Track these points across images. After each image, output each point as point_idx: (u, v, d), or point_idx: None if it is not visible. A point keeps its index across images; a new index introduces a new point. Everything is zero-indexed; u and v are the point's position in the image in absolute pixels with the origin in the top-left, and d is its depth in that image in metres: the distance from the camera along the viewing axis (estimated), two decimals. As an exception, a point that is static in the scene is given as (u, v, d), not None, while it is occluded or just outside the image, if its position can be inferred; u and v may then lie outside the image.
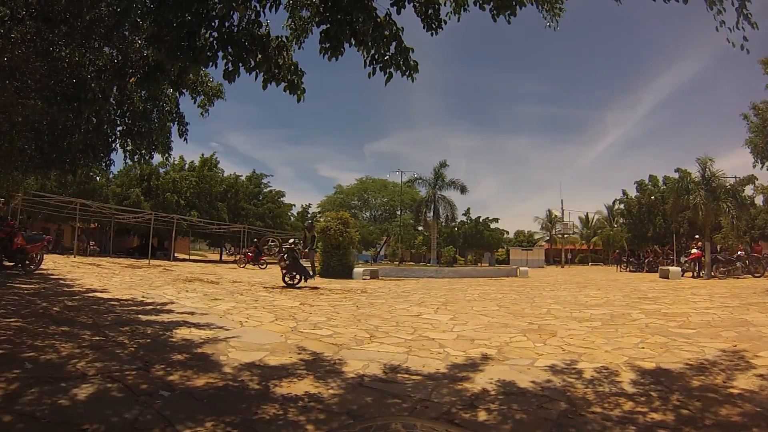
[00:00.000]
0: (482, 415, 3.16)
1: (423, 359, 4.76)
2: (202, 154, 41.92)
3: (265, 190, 47.30)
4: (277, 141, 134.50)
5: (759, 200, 28.50)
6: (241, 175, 46.05)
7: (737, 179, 26.12)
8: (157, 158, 9.79)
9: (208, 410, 3.04)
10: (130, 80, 6.26)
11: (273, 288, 12.75)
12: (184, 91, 7.85)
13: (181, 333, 5.55)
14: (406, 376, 4.14)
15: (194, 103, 8.67)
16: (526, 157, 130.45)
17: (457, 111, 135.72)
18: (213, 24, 4.10)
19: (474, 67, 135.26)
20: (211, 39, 4.12)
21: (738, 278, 20.20)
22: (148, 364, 4.04)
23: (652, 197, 40.24)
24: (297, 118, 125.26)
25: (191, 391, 3.41)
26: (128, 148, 8.97)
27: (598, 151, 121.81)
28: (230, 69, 4.20)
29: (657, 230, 39.39)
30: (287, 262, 13.08)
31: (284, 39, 4.71)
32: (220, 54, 4.15)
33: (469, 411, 3.23)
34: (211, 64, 4.19)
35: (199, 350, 4.72)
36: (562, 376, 4.14)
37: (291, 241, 13.55)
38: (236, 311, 7.65)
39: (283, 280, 13.19)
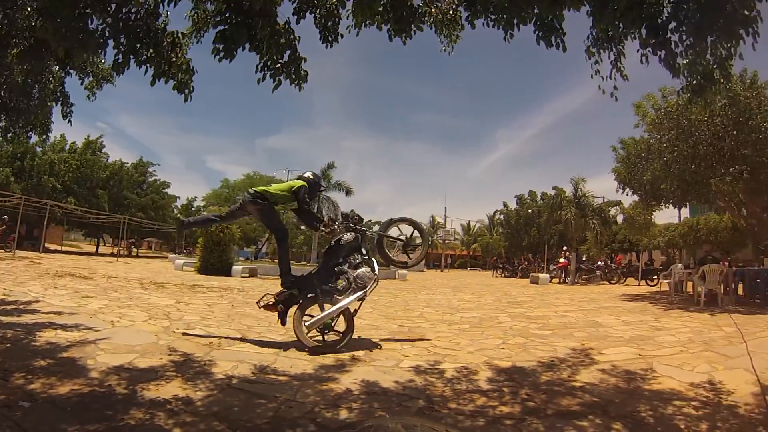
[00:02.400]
0: (344, 413, 3.37)
1: (291, 360, 4.89)
2: (88, 136, 39.12)
3: (150, 179, 44.95)
4: (168, 127, 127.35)
5: (620, 219, 31.85)
6: (127, 162, 43.36)
7: (605, 200, 29.51)
8: (34, 138, 8.92)
9: (71, 419, 2.97)
10: (12, 52, 5.72)
11: (150, 284, 12.19)
12: (71, 71, 7.27)
13: (46, 335, 5.20)
14: (273, 377, 4.26)
15: (81, 84, 8.05)
16: (418, 163, 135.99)
17: (355, 112, 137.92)
18: (109, 8, 3.93)
19: (377, 70, 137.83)
20: (104, 24, 3.95)
21: (598, 285, 22.42)
22: (7, 373, 3.79)
23: (530, 210, 44.08)
24: (191, 104, 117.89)
25: (54, 400, 3.28)
26: (1, 124, 8.18)
27: (486, 163, 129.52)
28: (120, 60, 4.07)
29: (531, 240, 43.10)
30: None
31: (179, 35, 4.58)
32: (111, 42, 3.99)
33: (332, 410, 3.42)
34: (100, 51, 4.04)
35: (65, 354, 4.50)
36: (424, 376, 4.44)
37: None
38: (108, 310, 7.27)
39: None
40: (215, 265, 18.66)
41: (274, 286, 14.14)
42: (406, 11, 4.40)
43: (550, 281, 23.60)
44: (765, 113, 11.74)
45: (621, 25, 3.92)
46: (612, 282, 23.05)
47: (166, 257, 37.48)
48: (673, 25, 3.84)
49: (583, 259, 28.29)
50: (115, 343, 5.09)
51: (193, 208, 52.57)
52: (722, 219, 25.42)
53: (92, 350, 4.71)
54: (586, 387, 4.18)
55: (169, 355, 4.75)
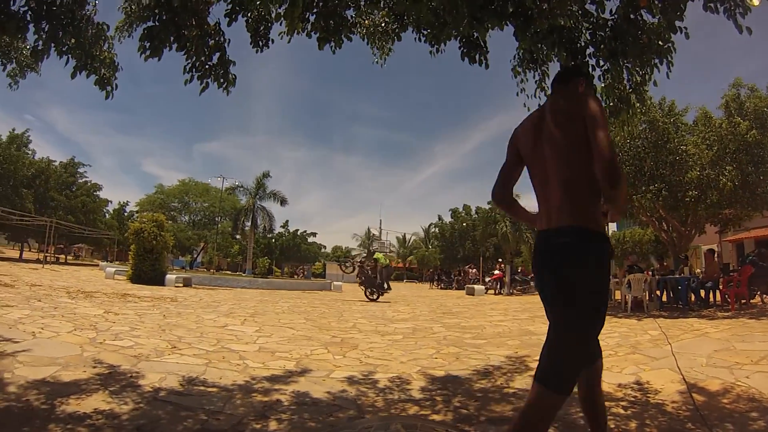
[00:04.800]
0: (273, 425, 3.34)
1: (221, 371, 4.81)
2: (13, 129, 36.77)
3: (80, 181, 42.75)
4: (103, 125, 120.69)
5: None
6: (56, 161, 41.24)
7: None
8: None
9: (-18, 436, 2.81)
10: None
11: (78, 293, 11.64)
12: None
13: (-42, 348, 4.88)
14: (202, 388, 4.18)
15: (2, 70, 7.50)
16: (355, 176, 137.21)
17: (295, 122, 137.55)
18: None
19: (318, 81, 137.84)
20: (27, 7, 3.69)
21: (532, 295, 23.06)
22: None
23: (464, 224, 45.06)
24: (129, 102, 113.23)
25: (-36, 416, 3.08)
26: None
27: (423, 177, 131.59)
28: (40, 47, 3.85)
29: (467, 253, 43.96)
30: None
31: (104, 27, 4.39)
32: (32, 27, 3.74)
33: (261, 421, 3.39)
34: (20, 35, 3.81)
35: (-22, 368, 4.23)
36: (356, 386, 4.47)
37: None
38: (30, 320, 6.87)
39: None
40: (148, 273, 18.14)
41: (209, 296, 14.01)
42: (336, 20, 4.44)
43: (485, 292, 24.20)
44: (681, 138, 13.17)
45: (543, 47, 4.15)
46: (546, 292, 23.87)
47: (97, 265, 35.81)
48: (591, 50, 4.11)
49: (518, 270, 29.24)
50: (36, 355, 4.83)
51: (125, 213, 50.70)
52: (646, 232, 27.14)
53: (10, 363, 4.45)
54: (519, 393, 4.31)
55: (94, 367, 4.56)
